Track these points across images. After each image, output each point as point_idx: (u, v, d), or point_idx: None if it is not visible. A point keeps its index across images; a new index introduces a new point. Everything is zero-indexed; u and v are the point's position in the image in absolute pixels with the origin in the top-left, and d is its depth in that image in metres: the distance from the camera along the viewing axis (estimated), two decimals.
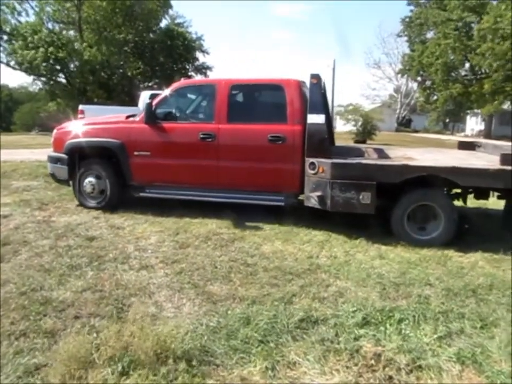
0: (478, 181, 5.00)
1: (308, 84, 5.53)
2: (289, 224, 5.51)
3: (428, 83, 40.84)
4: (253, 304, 3.39)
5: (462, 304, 3.52)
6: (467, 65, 38.21)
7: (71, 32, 33.93)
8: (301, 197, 5.73)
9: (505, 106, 37.79)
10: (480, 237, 5.28)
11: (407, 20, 42.09)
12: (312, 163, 5.22)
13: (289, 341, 2.89)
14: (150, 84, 36.19)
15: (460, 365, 2.71)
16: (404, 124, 52.52)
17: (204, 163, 5.78)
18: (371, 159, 5.67)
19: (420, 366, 2.66)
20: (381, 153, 6.17)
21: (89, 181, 6.16)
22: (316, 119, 5.35)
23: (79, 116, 13.83)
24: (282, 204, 5.64)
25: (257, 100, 6.45)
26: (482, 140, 7.58)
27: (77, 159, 6.17)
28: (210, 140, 5.67)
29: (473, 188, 5.25)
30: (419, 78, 42.18)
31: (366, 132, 24.48)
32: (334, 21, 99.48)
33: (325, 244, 4.91)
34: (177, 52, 36.05)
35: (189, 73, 38.29)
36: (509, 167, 4.81)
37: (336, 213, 5.25)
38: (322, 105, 5.45)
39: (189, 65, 38.56)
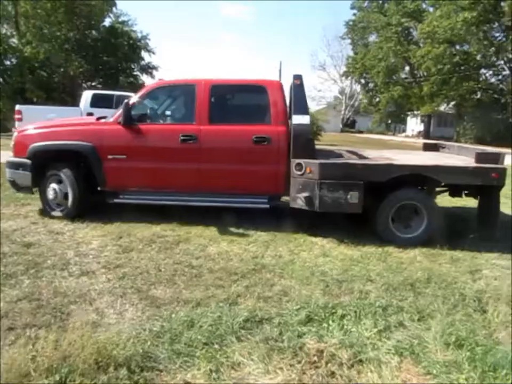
0: (458, 179, 5.23)
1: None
2: (235, 224, 5.50)
3: (371, 85, 42.23)
4: (198, 307, 3.36)
5: (401, 298, 3.65)
6: (407, 68, 39.87)
7: (6, 27, 32.23)
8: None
9: (442, 108, 39.70)
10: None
11: (351, 23, 43.30)
12: (299, 164, 5.18)
13: (234, 342, 2.88)
14: (93, 84, 35.11)
15: (398, 356, 2.80)
16: (349, 125, 54.02)
17: (184, 166, 5.55)
18: (356, 159, 5.69)
19: (360, 360, 2.73)
20: (359, 155, 6.20)
21: (53, 187, 5.70)
22: (301, 119, 5.35)
23: (16, 116, 13.19)
24: (267, 206, 5.54)
25: (239, 100, 6.34)
26: (445, 142, 7.97)
27: (40, 164, 5.70)
28: (192, 141, 5.47)
29: (452, 185, 5.50)
30: (362, 80, 43.51)
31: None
32: (280, 23, 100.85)
33: (270, 243, 4.94)
34: (121, 51, 35.21)
35: (134, 73, 37.53)
36: (485, 165, 5.13)
37: (282, 212, 5.31)
38: (306, 106, 5.51)
39: (134, 64, 37.77)
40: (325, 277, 4.01)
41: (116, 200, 5.68)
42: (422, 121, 43.11)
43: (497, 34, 31.98)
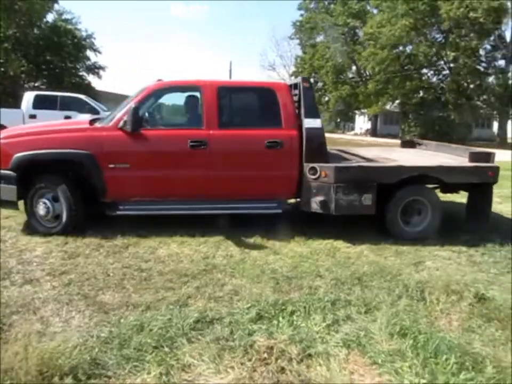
0: (460, 178, 5.52)
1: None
2: (185, 226, 5.45)
3: (320, 85, 42.99)
4: (147, 310, 3.32)
5: (349, 292, 3.76)
6: (354, 68, 40.91)
7: None
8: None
9: (388, 106, 41.06)
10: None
11: (298, 23, 43.91)
12: (313, 168, 5.18)
13: (184, 344, 2.86)
14: (36, 84, 33.70)
15: (346, 349, 2.89)
16: None
17: (192, 173, 5.25)
18: (367, 162, 5.71)
19: (310, 355, 2.79)
20: (360, 156, 6.23)
21: (44, 201, 5.11)
22: (312, 123, 5.32)
23: None
24: (279, 210, 5.44)
25: (248, 104, 5.96)
26: (422, 140, 8.28)
27: (28, 176, 5.10)
28: (201, 147, 5.18)
29: (451, 183, 5.65)
30: (311, 80, 44.24)
31: None
32: (230, 23, 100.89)
33: (221, 243, 4.94)
34: (65, 50, 33.99)
35: (80, 73, 36.36)
36: (483, 164, 5.53)
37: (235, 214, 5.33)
38: (316, 109, 5.53)
39: (79, 64, 36.57)
40: (275, 275, 4.06)
41: (119, 213, 5.23)
42: (370, 119, 44.40)
43: (437, 36, 33.41)
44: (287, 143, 5.30)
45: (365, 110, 40.96)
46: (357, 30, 38.98)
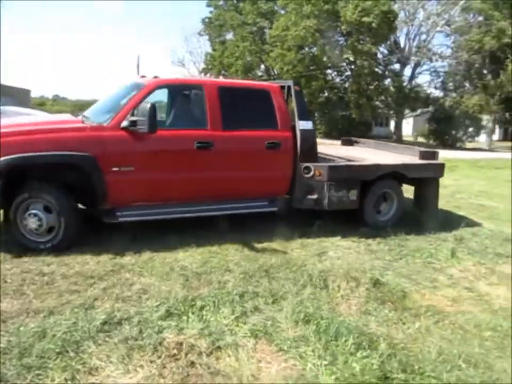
0: (420, 173, 6.32)
1: None
2: (90, 227, 5.26)
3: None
4: (50, 315, 3.17)
5: (257, 284, 3.89)
6: (262, 66, 41.68)
7: None
8: None
9: None
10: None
11: (207, 20, 43.73)
12: (307, 167, 5.50)
13: (91, 347, 2.79)
14: None
15: (254, 338, 3.00)
16: None
17: (197, 174, 5.10)
18: (351, 162, 6.14)
19: (219, 347, 2.86)
20: (338, 157, 6.50)
21: (35, 213, 4.44)
22: (306, 125, 5.58)
23: None
24: (275, 208, 5.61)
25: (246, 105, 5.67)
26: (359, 139, 8.72)
27: (10, 182, 4.37)
28: (207, 148, 5.05)
29: (411, 178, 6.30)
30: (221, 77, 44.37)
31: None
32: (140, 17, 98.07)
33: (130, 243, 4.84)
34: None
35: None
36: (435, 162, 6.48)
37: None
38: (307, 111, 5.76)
39: None
40: (185, 271, 4.08)
41: (122, 220, 4.84)
42: None
43: (340, 39, 35.17)
44: (284, 144, 5.49)
45: None
46: (265, 30, 39.72)
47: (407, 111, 34.55)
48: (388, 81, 33.70)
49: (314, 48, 34.54)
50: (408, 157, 6.79)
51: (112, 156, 4.63)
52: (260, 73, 41.27)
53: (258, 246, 4.99)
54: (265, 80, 39.87)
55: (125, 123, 4.68)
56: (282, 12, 36.71)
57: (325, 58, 34.08)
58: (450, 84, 36.39)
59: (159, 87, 5.21)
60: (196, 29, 45.32)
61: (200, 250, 4.69)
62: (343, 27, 31.27)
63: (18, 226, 4.45)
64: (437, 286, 4.23)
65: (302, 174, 5.57)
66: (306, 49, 34.76)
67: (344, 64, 35.62)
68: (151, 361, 2.69)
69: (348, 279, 4.04)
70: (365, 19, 28.81)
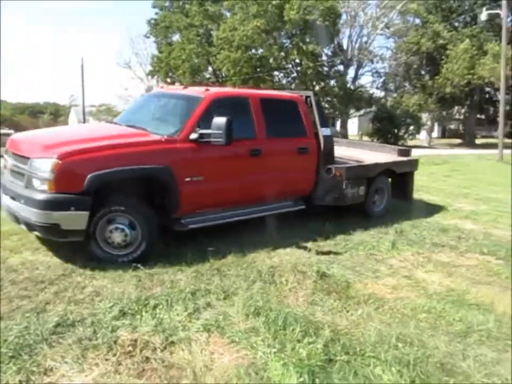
0: (403, 168, 7.45)
1: None
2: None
3: (177, 84, 42.97)
4: (0, 321, 3.16)
5: (209, 282, 4.02)
6: (210, 68, 41.65)
7: None
8: None
9: None
10: None
11: (153, 22, 43.15)
12: (329, 168, 6.20)
13: (45, 349, 2.82)
14: None
15: (206, 332, 3.13)
16: None
17: (249, 180, 5.51)
18: (359, 162, 6.99)
19: (172, 342, 2.97)
20: (341, 157, 7.15)
21: (119, 227, 4.45)
22: (326, 131, 6.27)
23: None
24: (303, 206, 6.24)
25: (280, 114, 6.11)
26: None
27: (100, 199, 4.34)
28: (257, 155, 5.49)
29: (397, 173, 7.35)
30: (168, 80, 43.86)
31: None
32: (85, 19, 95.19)
33: (80, 247, 4.81)
34: None
35: None
36: (412, 158, 7.87)
37: None
38: (324, 119, 6.45)
39: None
40: (137, 272, 4.13)
41: (191, 226, 5.02)
42: None
43: (285, 41, 35.78)
44: (310, 148, 6.12)
45: None
46: (212, 32, 39.71)
47: (352, 110, 35.62)
48: (332, 82, 34.62)
49: (261, 50, 34.95)
50: (390, 155, 7.82)
51: (185, 167, 4.85)
52: (207, 75, 41.21)
53: (210, 246, 5.10)
54: (213, 82, 39.91)
55: (194, 135, 4.90)
56: (229, 14, 36.90)
57: (271, 60, 34.58)
58: (391, 84, 37.92)
59: (215, 99, 5.38)
60: (142, 30, 44.49)
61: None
62: (287, 27, 31.84)
63: (97, 240, 4.42)
64: (378, 275, 4.53)
65: (324, 175, 6.24)
66: (254, 50, 35.12)
67: (290, 66, 36.28)
68: (106, 359, 2.76)
69: (295, 273, 4.24)
70: (309, 17, 29.50)
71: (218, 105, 5.31)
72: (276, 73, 37.05)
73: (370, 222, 6.48)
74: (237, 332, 3.15)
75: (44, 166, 4.16)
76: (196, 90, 5.78)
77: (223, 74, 38.98)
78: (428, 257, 5.21)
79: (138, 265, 4.24)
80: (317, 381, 2.59)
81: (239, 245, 5.15)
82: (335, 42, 33.89)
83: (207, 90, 5.57)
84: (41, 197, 4.13)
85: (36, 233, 4.38)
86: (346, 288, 4.07)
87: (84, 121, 38.36)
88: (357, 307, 3.69)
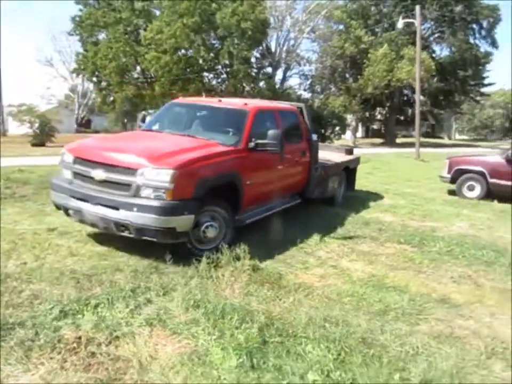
0: (352, 165, 9.05)
1: None
2: None
3: (104, 84, 41.62)
4: None
5: (148, 280, 4.15)
6: (139, 68, 40.81)
7: None
8: None
9: None
10: None
11: (77, 19, 41.50)
12: (317, 167, 7.28)
13: None
14: None
15: (149, 326, 3.29)
16: (84, 125, 52.08)
17: (279, 179, 6.43)
18: (331, 161, 8.19)
19: (117, 337, 3.11)
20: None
21: (211, 224, 5.08)
22: (314, 137, 7.36)
23: None
24: (299, 201, 7.21)
25: (288, 122, 7.07)
26: None
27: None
28: (284, 159, 6.42)
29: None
30: (95, 79, 42.45)
31: (44, 134, 23.29)
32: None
33: (11, 252, 4.74)
34: None
35: None
36: (357, 156, 9.81)
37: None
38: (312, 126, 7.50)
39: None
40: (75, 274, 4.17)
41: (248, 221, 5.74)
42: None
43: (214, 42, 35.95)
44: (307, 151, 7.15)
45: (152, 111, 41.40)
46: (140, 31, 38.94)
47: None
48: (262, 84, 35.32)
49: (190, 51, 34.86)
50: (343, 154, 9.32)
51: (247, 172, 5.54)
52: (136, 75, 40.39)
53: (149, 243, 5.21)
54: (142, 83, 39.24)
55: (251, 145, 5.63)
56: (158, 12, 36.39)
57: (201, 61, 34.62)
58: (318, 86, 39.39)
59: (257, 112, 6.16)
60: (64, 27, 42.53)
61: (89, 254, 4.79)
62: (218, 31, 32.07)
63: (190, 238, 4.96)
64: (307, 266, 4.89)
65: (314, 173, 7.25)
66: (183, 51, 34.97)
67: (220, 67, 36.52)
68: (51, 358, 2.84)
69: (231, 267, 4.48)
70: (243, 24, 29.93)
71: (258, 118, 6.11)
72: (205, 74, 37.12)
73: (298, 219, 6.87)
74: (178, 324, 3.34)
75: (162, 176, 4.54)
76: (237, 104, 6.60)
77: (152, 75, 38.40)
78: (352, 248, 5.67)
79: (76, 267, 4.31)
80: (255, 360, 2.85)
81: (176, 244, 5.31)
82: (264, 45, 34.61)
83: (246, 104, 6.43)
84: (161, 204, 4.52)
85: (145, 237, 4.69)
86: (278, 279, 4.38)
87: (3, 122, 36.01)
88: (288, 295, 4.00)
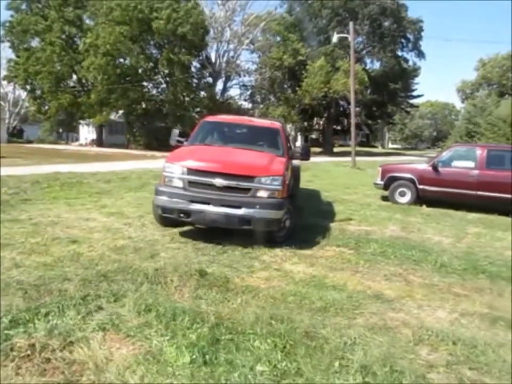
0: (295, 174, 9.10)
1: None
2: None
3: (38, 92, 40.08)
4: None
5: (97, 288, 4.20)
6: (75, 76, 39.65)
7: None
8: None
9: (113, 116, 41.54)
10: None
11: (8, 24, 39.76)
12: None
13: None
14: None
15: (102, 331, 3.38)
16: (16, 135, 49.72)
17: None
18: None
19: (71, 342, 3.17)
20: None
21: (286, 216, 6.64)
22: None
23: None
24: None
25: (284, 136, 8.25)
26: None
27: None
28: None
29: None
30: (28, 87, 40.75)
31: None
32: None
33: None
34: None
35: None
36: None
37: None
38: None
39: None
40: (22, 285, 4.13)
41: None
42: (96, 129, 43.94)
43: (153, 51, 35.74)
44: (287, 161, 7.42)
45: (90, 120, 40.37)
46: (76, 39, 37.93)
47: None
48: (202, 93, 35.50)
49: (129, 59, 34.44)
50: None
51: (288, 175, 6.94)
52: (72, 84, 39.23)
53: (93, 254, 5.25)
54: (78, 91, 38.14)
55: (290, 154, 7.62)
56: (91, 22, 35.67)
57: (140, 70, 34.29)
58: (258, 96, 40.13)
59: (282, 129, 8.27)
60: None
61: (34, 265, 4.75)
62: (156, 39, 31.95)
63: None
64: (253, 270, 5.13)
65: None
66: (121, 60, 34.48)
67: (160, 76, 36.32)
68: (5, 366, 2.87)
69: (179, 273, 4.64)
70: (181, 29, 29.99)
71: (283, 133, 8.10)
72: (145, 83, 36.77)
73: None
74: (131, 327, 3.45)
75: (275, 182, 6.22)
76: (269, 123, 8.72)
77: (89, 83, 37.48)
78: (294, 252, 5.98)
79: (22, 278, 4.29)
80: (207, 357, 3.04)
81: (122, 253, 5.39)
82: (204, 55, 34.87)
83: (273, 123, 8.62)
84: (277, 202, 6.19)
85: (260, 229, 6.14)
86: (226, 283, 4.58)
87: None
88: (236, 297, 4.21)
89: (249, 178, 6.11)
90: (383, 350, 3.34)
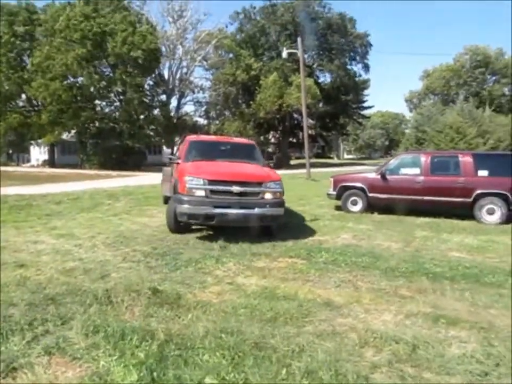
0: None
1: None
2: None
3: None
4: None
5: (44, 312, 4.12)
6: (24, 96, 38.51)
7: None
8: None
9: (65, 136, 40.56)
10: None
11: None
12: None
13: None
14: None
15: (48, 355, 3.32)
16: None
17: None
18: None
19: (14, 368, 3.10)
20: None
21: None
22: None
23: None
24: None
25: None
26: None
27: None
28: None
29: None
30: None
31: None
32: None
33: None
34: None
35: None
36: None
37: None
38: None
39: None
40: None
41: None
42: (47, 149, 42.74)
43: (105, 70, 35.27)
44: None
45: (41, 140, 39.25)
46: (24, 57, 36.89)
47: (177, 138, 36.78)
48: (156, 111, 35.30)
49: (81, 78, 33.83)
50: None
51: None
52: (21, 103, 38.08)
53: (41, 278, 5.14)
54: (28, 111, 37.04)
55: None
56: (44, 39, 34.78)
57: (92, 89, 33.75)
58: (213, 112, 40.30)
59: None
60: None
61: None
62: (110, 59, 31.62)
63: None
64: (205, 285, 5.15)
65: None
66: (73, 79, 33.81)
67: (113, 95, 35.87)
68: None
69: (130, 292, 4.61)
70: (133, 53, 29.82)
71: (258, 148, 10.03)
72: (97, 102, 36.19)
73: (196, 241, 7.15)
74: (78, 349, 3.40)
75: (278, 185, 7.93)
76: (246, 140, 11.26)
77: (39, 103, 36.49)
78: (247, 265, 6.05)
79: None
80: (155, 374, 3.04)
81: (71, 275, 5.30)
82: (157, 73, 34.76)
83: (249, 140, 11.02)
84: (279, 201, 7.86)
85: (270, 223, 7.89)
86: (177, 299, 4.58)
87: None
88: (187, 313, 4.22)
89: (259, 184, 7.71)
90: (329, 355, 3.45)
